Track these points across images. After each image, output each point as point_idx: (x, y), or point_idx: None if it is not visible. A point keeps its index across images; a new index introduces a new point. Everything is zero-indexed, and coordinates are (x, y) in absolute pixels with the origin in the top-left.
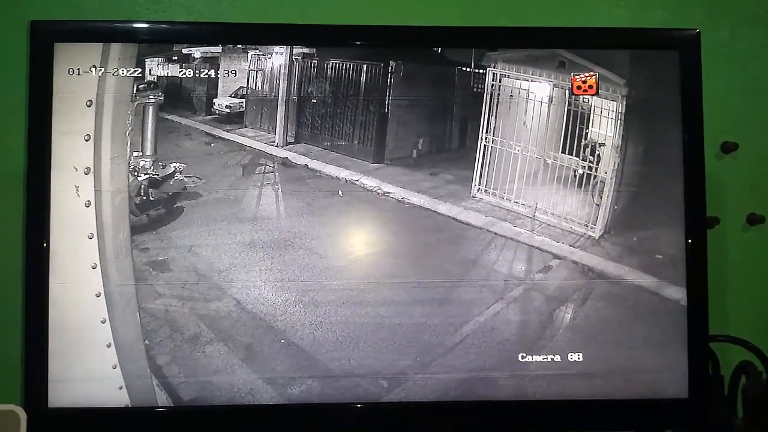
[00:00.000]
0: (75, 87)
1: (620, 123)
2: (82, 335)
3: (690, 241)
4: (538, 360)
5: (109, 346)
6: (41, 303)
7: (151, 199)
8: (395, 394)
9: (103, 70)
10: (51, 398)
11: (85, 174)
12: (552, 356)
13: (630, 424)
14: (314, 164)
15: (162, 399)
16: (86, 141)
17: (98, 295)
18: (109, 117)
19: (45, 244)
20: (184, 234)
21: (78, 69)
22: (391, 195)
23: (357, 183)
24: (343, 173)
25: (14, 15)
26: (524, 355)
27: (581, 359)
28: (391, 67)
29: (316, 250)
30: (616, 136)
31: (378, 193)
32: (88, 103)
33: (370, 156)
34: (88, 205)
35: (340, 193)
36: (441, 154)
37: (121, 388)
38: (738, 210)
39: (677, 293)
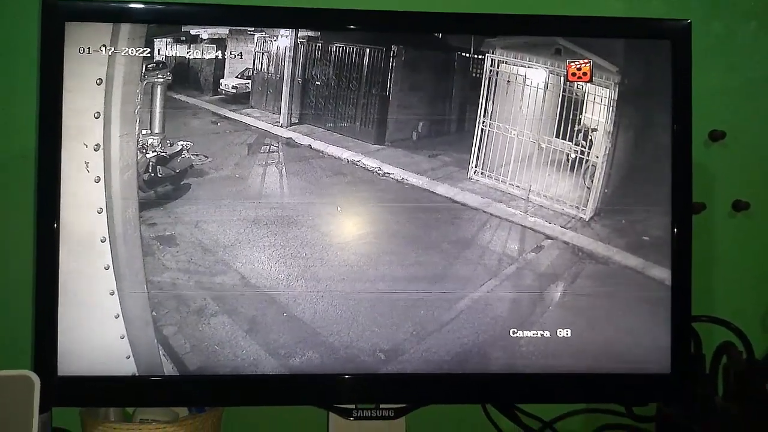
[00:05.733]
0: (85, 66)
1: (612, 110)
2: (90, 307)
3: (676, 224)
4: (529, 335)
5: (117, 317)
6: (51, 275)
7: (159, 175)
8: (392, 366)
9: (113, 49)
10: (60, 366)
11: (95, 150)
12: (542, 332)
13: (615, 397)
14: (317, 144)
15: (168, 368)
16: (96, 118)
17: (107, 268)
18: (119, 95)
19: (55, 218)
20: (190, 210)
21: (88, 48)
22: (391, 175)
23: (358, 163)
24: (346, 154)
25: None
26: (515, 330)
27: (570, 335)
28: (393, 51)
29: (318, 228)
30: (608, 122)
31: (378, 174)
32: (98, 81)
33: (371, 137)
34: (97, 181)
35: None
36: (440, 136)
37: (128, 358)
38: (724, 196)
39: (662, 274)
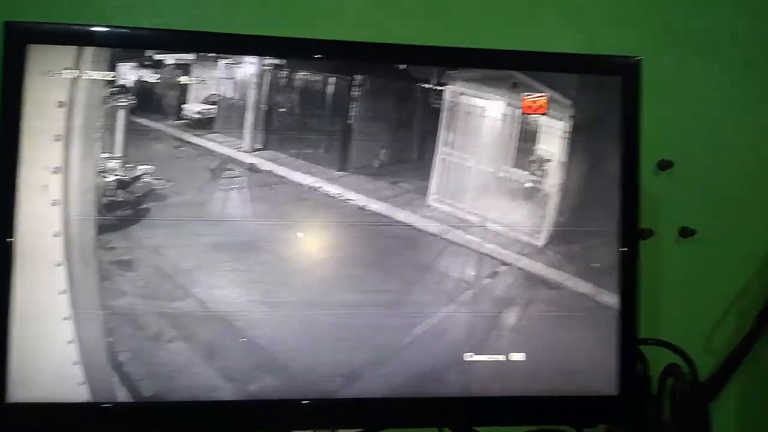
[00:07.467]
0: (47, 88)
1: (566, 141)
2: (43, 332)
3: (623, 251)
4: (484, 359)
5: (70, 342)
6: (3, 299)
7: (119, 199)
8: (350, 391)
9: (76, 72)
10: (10, 393)
11: (54, 173)
12: (497, 356)
13: (566, 419)
14: (280, 170)
15: (123, 395)
16: (56, 141)
17: (62, 293)
18: (80, 119)
19: (10, 241)
20: (150, 234)
21: (50, 71)
22: (353, 202)
23: (321, 190)
24: (308, 180)
25: None
26: (471, 354)
27: (523, 359)
28: (357, 81)
29: (279, 253)
30: (562, 153)
31: (341, 200)
32: (59, 104)
33: (334, 164)
34: (55, 204)
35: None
36: (401, 164)
37: (81, 384)
38: (671, 223)
39: (611, 299)
